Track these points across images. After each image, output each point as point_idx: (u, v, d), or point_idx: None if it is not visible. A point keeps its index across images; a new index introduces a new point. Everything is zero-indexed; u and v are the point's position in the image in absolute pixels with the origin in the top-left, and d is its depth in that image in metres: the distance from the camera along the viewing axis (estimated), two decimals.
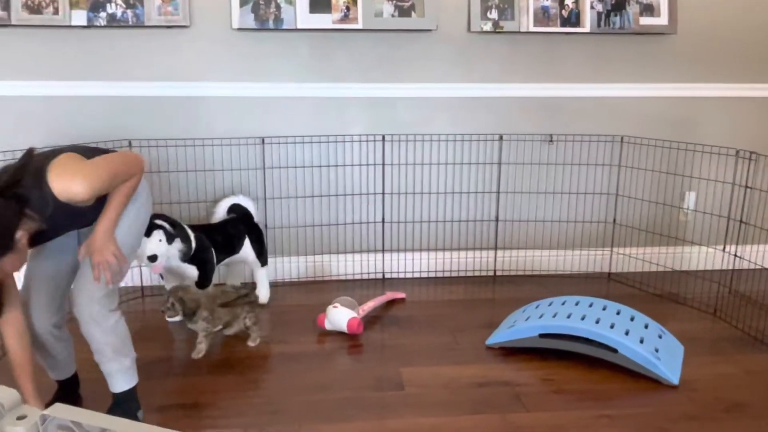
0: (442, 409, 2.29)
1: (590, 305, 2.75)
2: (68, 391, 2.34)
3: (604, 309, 2.71)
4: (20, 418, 0.97)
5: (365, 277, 3.60)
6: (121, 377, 2.15)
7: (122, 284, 3.38)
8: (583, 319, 2.63)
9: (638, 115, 3.54)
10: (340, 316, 2.84)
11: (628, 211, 3.63)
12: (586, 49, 3.44)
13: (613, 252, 3.67)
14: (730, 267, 3.66)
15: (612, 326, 2.59)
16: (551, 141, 3.52)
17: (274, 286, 3.40)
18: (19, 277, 1.94)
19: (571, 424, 2.21)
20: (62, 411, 0.94)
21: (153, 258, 2.64)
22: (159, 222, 2.70)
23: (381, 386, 2.45)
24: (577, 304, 2.77)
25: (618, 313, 2.70)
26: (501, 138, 3.48)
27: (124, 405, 2.17)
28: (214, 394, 2.40)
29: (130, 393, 2.19)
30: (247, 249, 3.12)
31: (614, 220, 3.63)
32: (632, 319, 2.69)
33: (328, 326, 2.89)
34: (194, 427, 2.19)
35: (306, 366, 2.60)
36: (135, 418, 2.18)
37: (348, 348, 2.76)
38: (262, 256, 3.18)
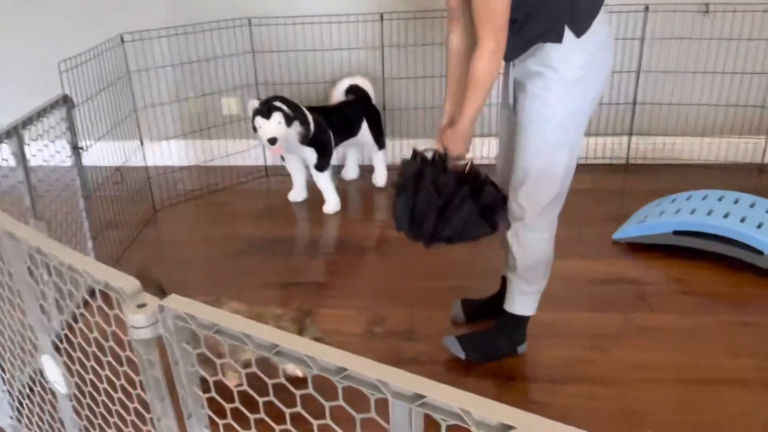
0: (561, 304, 2.21)
1: (735, 201, 2.48)
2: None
3: (752, 206, 2.44)
4: (140, 306, 0.99)
5: (485, 162, 3.46)
6: (517, 298, 1.93)
7: (248, 163, 3.50)
8: (726, 216, 2.38)
9: None
10: None
11: None
12: None
13: None
14: None
15: (759, 226, 2.33)
16: (707, 12, 3.06)
17: (391, 169, 3.36)
18: None
19: (701, 328, 2.06)
20: (179, 303, 0.95)
21: (272, 141, 2.67)
22: (278, 104, 2.69)
23: (496, 276, 2.39)
24: (720, 199, 2.51)
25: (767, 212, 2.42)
26: (647, 8, 3.07)
27: (507, 329, 1.98)
28: (333, 275, 2.46)
29: (519, 320, 1.95)
30: (364, 132, 3.07)
31: None
32: None
33: None
34: (313, 305, 2.27)
35: (421, 253, 2.58)
36: (512, 350, 1.98)
37: None
38: (379, 138, 3.13)
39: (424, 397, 0.73)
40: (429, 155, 1.81)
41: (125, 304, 0.99)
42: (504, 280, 2.06)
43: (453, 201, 1.75)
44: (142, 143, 3.01)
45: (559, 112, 1.63)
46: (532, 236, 1.79)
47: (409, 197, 1.79)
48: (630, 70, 3.20)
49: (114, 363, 1.13)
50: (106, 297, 1.02)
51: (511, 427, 0.68)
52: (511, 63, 1.73)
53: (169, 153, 3.47)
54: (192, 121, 3.45)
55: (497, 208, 1.80)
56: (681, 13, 3.07)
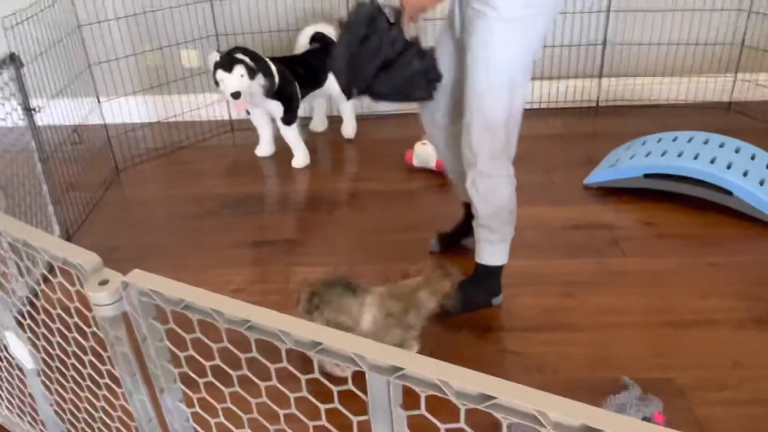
0: (535, 251, 2.22)
1: (705, 142, 2.49)
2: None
3: (721, 146, 2.45)
4: (102, 283, 0.95)
5: None
6: (485, 248, 1.89)
7: (212, 118, 3.39)
8: (696, 158, 2.39)
9: None
10: (428, 153, 2.73)
11: (760, 30, 3.14)
12: None
13: (737, 78, 3.25)
14: None
15: (729, 166, 2.34)
16: None
17: (360, 120, 3.29)
18: None
19: (673, 271, 2.09)
20: (143, 279, 0.91)
21: (236, 95, 2.57)
22: (239, 56, 2.59)
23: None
24: (690, 140, 2.51)
25: (737, 151, 2.43)
26: None
27: (480, 280, 1.94)
28: (304, 232, 2.43)
29: (491, 271, 1.93)
30: (331, 81, 2.98)
31: (742, 42, 3.17)
32: (753, 157, 2.42)
33: (416, 163, 2.80)
34: (286, 263, 2.25)
35: (394, 205, 2.56)
36: (487, 301, 1.97)
37: (437, 187, 2.68)
38: None
39: (402, 369, 0.71)
40: (384, 5, 1.74)
41: (86, 281, 0.94)
42: (467, 207, 2.09)
43: (401, 56, 1.72)
44: (99, 101, 2.88)
45: (501, 53, 1.61)
46: (489, 183, 1.77)
47: (353, 40, 1.71)
48: (600, 9, 3.14)
49: (80, 339, 1.09)
50: (66, 272, 0.97)
51: (491, 397, 0.67)
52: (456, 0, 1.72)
53: (128, 110, 3.34)
54: (151, 75, 3.31)
55: (437, 76, 1.78)
56: None
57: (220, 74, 2.59)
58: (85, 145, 2.90)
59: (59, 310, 1.14)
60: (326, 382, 0.82)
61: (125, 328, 0.95)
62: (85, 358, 1.13)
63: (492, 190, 1.77)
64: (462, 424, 0.69)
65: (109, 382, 1.10)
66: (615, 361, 1.76)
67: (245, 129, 3.30)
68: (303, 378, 0.83)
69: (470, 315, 1.96)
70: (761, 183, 2.31)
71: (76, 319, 1.07)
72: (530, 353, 1.80)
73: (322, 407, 0.82)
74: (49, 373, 1.29)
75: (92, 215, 2.61)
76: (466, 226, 2.10)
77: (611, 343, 1.82)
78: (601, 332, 1.86)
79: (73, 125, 2.66)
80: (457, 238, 2.23)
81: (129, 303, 0.91)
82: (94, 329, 0.99)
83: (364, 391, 0.75)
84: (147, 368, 0.95)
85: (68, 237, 2.41)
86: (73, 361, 1.19)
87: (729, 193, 2.30)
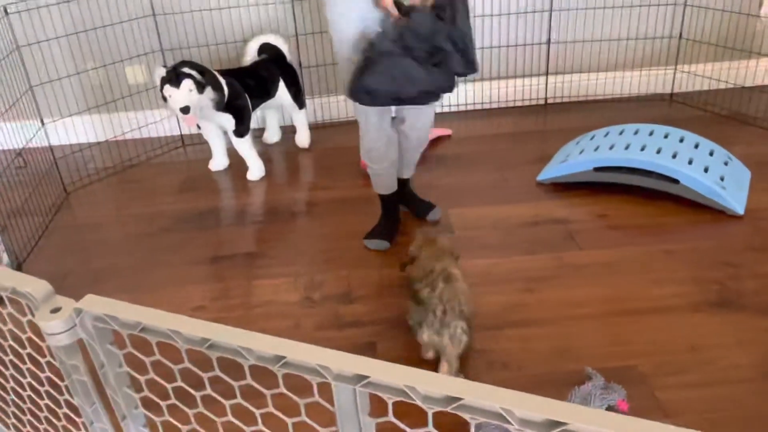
0: (494, 250, 2.25)
1: (651, 133, 2.56)
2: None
3: (666, 137, 2.53)
4: (54, 311, 0.92)
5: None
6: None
7: (162, 134, 3.33)
8: (642, 149, 2.46)
9: None
10: None
11: (696, 23, 3.26)
12: None
13: (677, 70, 3.36)
14: None
15: (674, 156, 2.42)
16: None
17: (314, 128, 3.28)
18: None
19: (628, 260, 2.15)
20: (97, 304, 0.88)
21: (185, 110, 2.53)
22: (186, 70, 2.55)
23: (428, 224, 2.40)
24: (636, 132, 2.58)
25: (681, 141, 2.51)
26: None
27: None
28: (264, 244, 2.40)
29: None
30: (282, 92, 2.97)
31: (680, 35, 3.28)
32: (696, 146, 2.50)
33: None
34: (246, 276, 2.22)
35: (353, 211, 2.56)
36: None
37: None
38: (298, 98, 3.04)
39: (367, 377, 0.71)
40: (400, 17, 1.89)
41: (37, 310, 0.91)
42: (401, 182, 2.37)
43: (440, 49, 1.88)
44: (42, 122, 2.80)
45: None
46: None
47: (394, 61, 1.87)
48: (543, 9, 3.21)
49: (35, 370, 1.05)
50: (16, 302, 0.94)
51: (457, 399, 0.67)
52: None
53: (74, 130, 3.25)
54: (96, 94, 3.23)
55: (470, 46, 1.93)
56: None
57: (168, 89, 2.54)
58: (31, 169, 2.81)
59: (11, 342, 1.10)
60: (292, 396, 0.81)
61: (82, 356, 0.92)
62: (42, 390, 1.09)
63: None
64: (430, 428, 0.69)
65: (69, 412, 1.07)
66: (577, 352, 1.79)
67: (197, 143, 3.25)
68: (268, 393, 0.82)
69: None
70: (706, 170, 2.38)
71: (29, 349, 1.03)
72: (494, 350, 1.82)
73: (290, 421, 0.81)
74: (5, 407, 1.24)
75: (42, 241, 2.53)
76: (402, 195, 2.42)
77: (573, 335, 1.86)
78: (563, 325, 1.89)
79: (17, 149, 2.58)
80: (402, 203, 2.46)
81: (83, 330, 0.89)
82: (50, 359, 0.96)
83: (331, 402, 0.74)
84: (107, 395, 0.93)
85: (18, 265, 2.33)
86: (30, 393, 1.15)
87: (676, 181, 2.37)
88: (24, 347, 1.04)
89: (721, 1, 3.19)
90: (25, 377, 1.08)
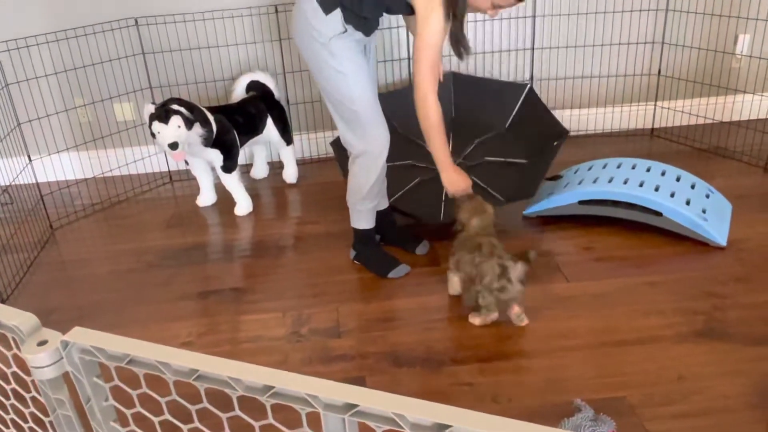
0: None
1: (633, 167, 2.60)
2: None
3: (648, 170, 2.57)
4: (41, 343, 0.91)
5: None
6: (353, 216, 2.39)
7: (149, 170, 3.34)
8: (625, 182, 2.50)
9: None
10: None
11: (674, 60, 3.35)
12: None
13: (657, 106, 3.44)
14: None
15: (656, 189, 2.46)
16: None
17: (301, 164, 3.31)
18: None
19: (615, 291, 2.16)
20: (84, 336, 0.88)
21: (174, 146, 2.55)
22: (175, 107, 2.57)
23: (416, 262, 2.41)
24: (618, 166, 2.63)
25: (663, 174, 2.55)
26: None
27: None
28: (251, 279, 2.40)
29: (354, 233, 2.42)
30: (270, 128, 3.00)
31: (659, 72, 3.37)
32: (678, 179, 2.55)
33: None
34: (234, 311, 2.21)
35: (340, 246, 2.56)
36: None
37: None
38: (286, 134, 3.07)
39: (356, 406, 0.71)
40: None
41: (23, 343, 0.91)
42: (380, 214, 2.45)
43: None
44: (30, 159, 2.80)
45: None
46: None
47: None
48: (525, 47, 3.29)
49: (19, 406, 1.04)
50: (1, 337, 0.93)
51: (447, 426, 0.67)
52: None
53: (61, 166, 3.25)
54: (84, 130, 3.25)
55: None
56: None
57: (157, 126, 2.56)
58: (17, 205, 2.80)
59: None
60: (280, 426, 0.81)
61: (67, 390, 0.91)
62: (26, 426, 1.08)
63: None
64: None
65: None
66: (567, 384, 1.79)
67: (185, 180, 3.26)
68: (257, 425, 0.82)
69: (422, 350, 1.97)
70: (688, 203, 2.43)
71: (14, 384, 1.02)
72: (484, 383, 1.82)
73: None
74: None
75: (27, 277, 2.50)
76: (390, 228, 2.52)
77: (562, 366, 1.86)
78: (552, 357, 1.90)
79: (3, 186, 2.57)
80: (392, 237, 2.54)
81: (70, 363, 0.88)
82: (34, 394, 0.95)
83: None
84: (93, 430, 0.92)
85: (2, 301, 2.30)
86: (13, 430, 1.13)
87: (659, 214, 2.41)
88: (8, 382, 1.02)
89: (698, 39, 3.29)
90: (8, 413, 1.07)
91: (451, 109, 3.25)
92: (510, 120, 3.13)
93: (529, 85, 3.05)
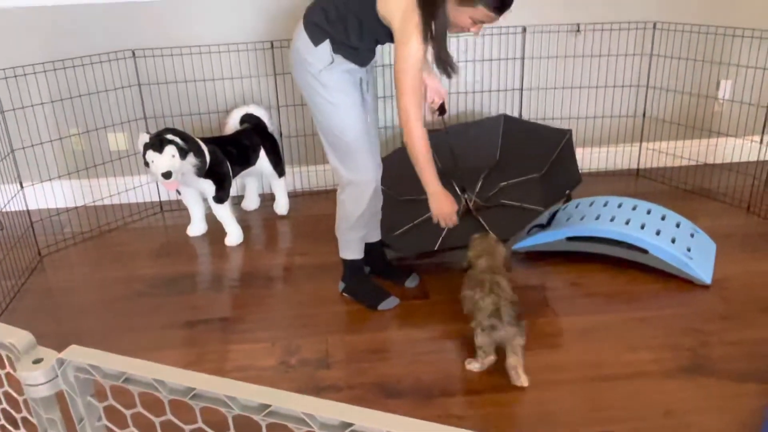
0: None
1: (619, 206, 2.65)
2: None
3: (634, 209, 2.62)
4: (36, 361, 0.92)
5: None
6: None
7: (140, 200, 3.35)
8: (612, 220, 2.54)
9: None
10: None
11: (659, 103, 3.44)
12: None
13: (642, 147, 3.52)
14: (766, 158, 3.50)
15: (642, 227, 2.50)
16: (578, 30, 3.29)
17: (293, 196, 3.34)
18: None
19: (602, 326, 2.18)
20: (80, 354, 0.89)
21: (167, 175, 2.57)
22: (170, 137, 2.60)
23: (405, 295, 2.42)
24: (605, 204, 2.68)
25: (648, 213, 2.60)
26: (524, 30, 3.26)
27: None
28: (240, 309, 2.39)
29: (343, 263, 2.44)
30: (262, 160, 3.03)
31: (644, 114, 3.46)
32: (663, 218, 2.59)
33: None
34: (223, 341, 2.20)
35: (329, 277, 2.57)
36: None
37: None
38: (278, 166, 3.10)
39: (351, 424, 0.72)
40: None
41: (18, 361, 0.91)
42: (370, 245, 2.47)
43: None
44: (21, 186, 2.81)
45: None
46: None
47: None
48: (513, 88, 3.37)
49: (9, 427, 1.03)
50: None
51: None
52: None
53: (53, 194, 3.25)
54: (77, 159, 3.26)
55: None
56: (555, 33, 3.28)
57: (151, 155, 2.59)
58: (6, 232, 2.79)
59: None
60: None
61: (59, 410, 0.91)
62: None
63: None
64: None
65: None
66: (555, 417, 1.79)
67: (176, 209, 3.27)
68: None
69: (412, 382, 1.97)
70: (673, 241, 2.47)
71: (5, 405, 1.01)
72: (474, 416, 1.81)
73: None
74: None
75: (14, 303, 2.48)
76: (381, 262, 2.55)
77: (551, 400, 1.86)
78: (541, 390, 1.90)
79: None
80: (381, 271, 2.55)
81: (65, 381, 0.89)
82: (25, 414, 0.94)
83: None
84: None
85: None
86: None
87: (645, 251, 2.45)
88: None
89: (682, 83, 3.40)
90: None
91: (496, 153, 3.15)
92: (547, 167, 2.95)
93: (570, 131, 2.90)
